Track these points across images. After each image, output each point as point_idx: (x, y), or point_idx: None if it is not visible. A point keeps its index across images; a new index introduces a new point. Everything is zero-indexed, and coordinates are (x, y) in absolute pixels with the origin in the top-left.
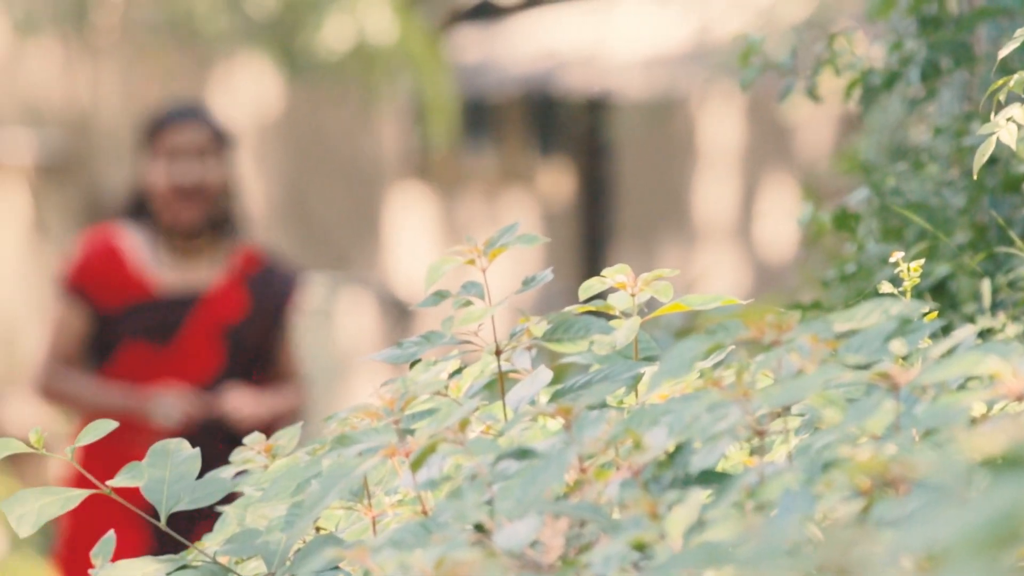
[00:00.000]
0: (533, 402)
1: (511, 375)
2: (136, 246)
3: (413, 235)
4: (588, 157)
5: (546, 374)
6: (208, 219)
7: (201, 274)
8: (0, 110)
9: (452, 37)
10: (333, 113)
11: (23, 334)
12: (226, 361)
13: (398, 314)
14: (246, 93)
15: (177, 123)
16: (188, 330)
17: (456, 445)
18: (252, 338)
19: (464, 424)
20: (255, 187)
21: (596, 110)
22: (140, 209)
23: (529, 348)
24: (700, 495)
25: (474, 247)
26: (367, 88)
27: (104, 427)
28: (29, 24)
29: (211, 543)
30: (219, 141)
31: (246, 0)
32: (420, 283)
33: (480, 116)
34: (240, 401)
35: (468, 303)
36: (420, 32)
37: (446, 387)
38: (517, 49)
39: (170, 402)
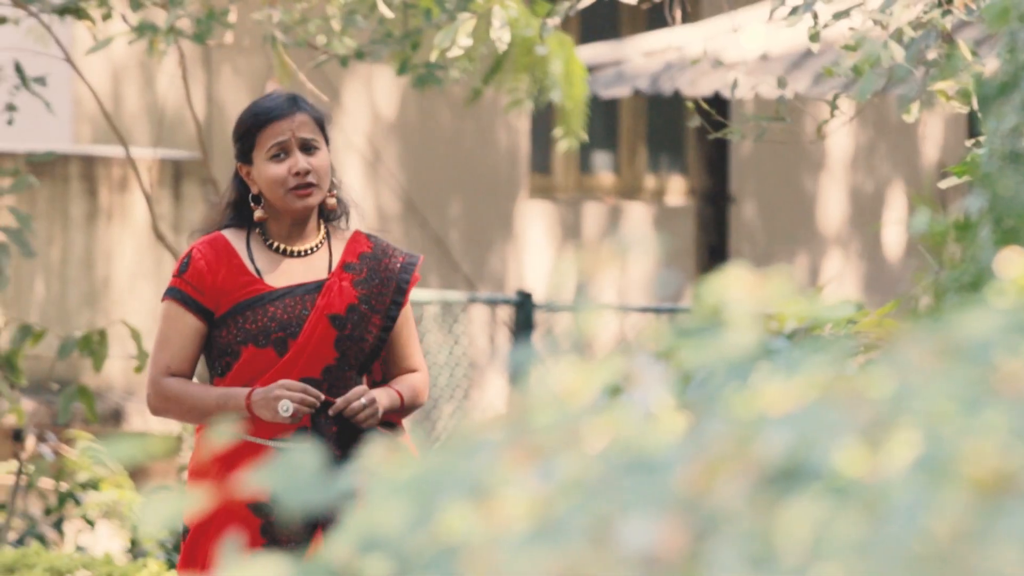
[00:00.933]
0: (655, 404)
1: (633, 378)
2: (244, 247)
3: (535, 245)
4: (707, 164)
5: (667, 377)
6: (320, 208)
7: (313, 268)
8: (125, 124)
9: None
10: (457, 123)
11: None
12: (337, 355)
13: (521, 322)
14: (370, 103)
15: (278, 116)
16: (305, 327)
17: (577, 446)
18: (362, 329)
19: (586, 426)
20: (377, 197)
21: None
22: (242, 212)
23: (651, 352)
24: (819, 498)
25: (596, 254)
26: (493, 98)
27: (233, 430)
28: (154, 36)
29: (336, 544)
30: (321, 127)
31: (371, 9)
32: (542, 292)
33: (599, 124)
34: (354, 398)
35: (591, 308)
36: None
37: (568, 391)
38: (635, 56)
39: (286, 400)
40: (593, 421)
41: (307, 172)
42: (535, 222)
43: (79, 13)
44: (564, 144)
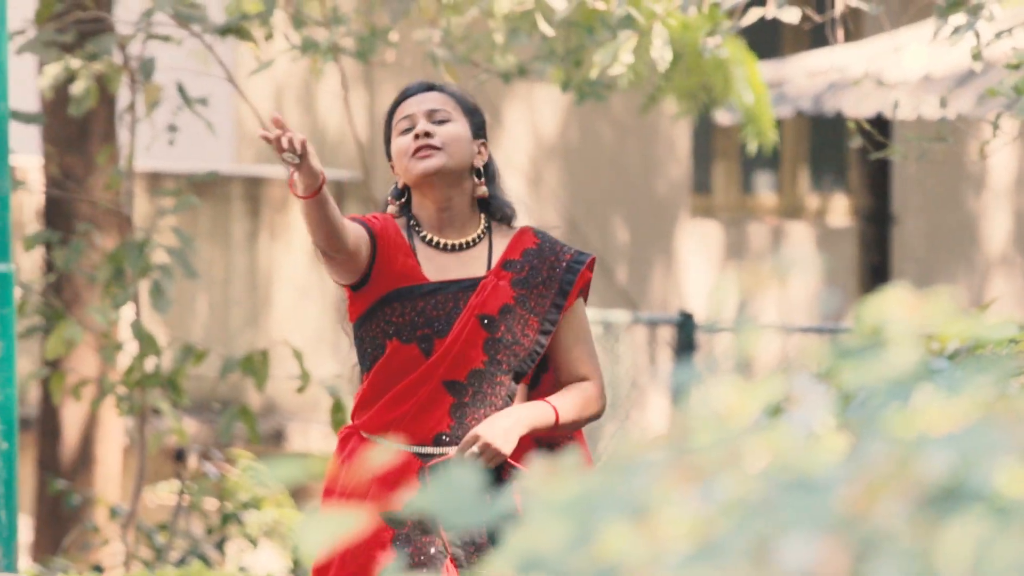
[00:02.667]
0: (815, 424)
1: (794, 398)
2: (407, 234)
3: (697, 265)
4: (869, 184)
5: (828, 397)
6: (481, 202)
7: (469, 264)
8: None
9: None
10: (619, 142)
11: (314, 359)
12: (486, 358)
13: (682, 343)
14: (531, 123)
15: (410, 94)
16: (455, 326)
17: (738, 466)
18: (517, 332)
19: (746, 446)
20: (539, 217)
21: (877, 137)
22: (400, 203)
23: (812, 372)
24: (981, 519)
25: (757, 273)
26: (655, 117)
27: (390, 453)
28: (315, 54)
29: (498, 564)
30: (464, 108)
31: (533, 26)
32: (703, 312)
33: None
34: (464, 449)
35: (752, 328)
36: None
37: (729, 411)
38: (798, 76)
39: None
40: (754, 441)
41: (428, 135)
42: (696, 242)
43: (241, 33)
44: (753, 146)
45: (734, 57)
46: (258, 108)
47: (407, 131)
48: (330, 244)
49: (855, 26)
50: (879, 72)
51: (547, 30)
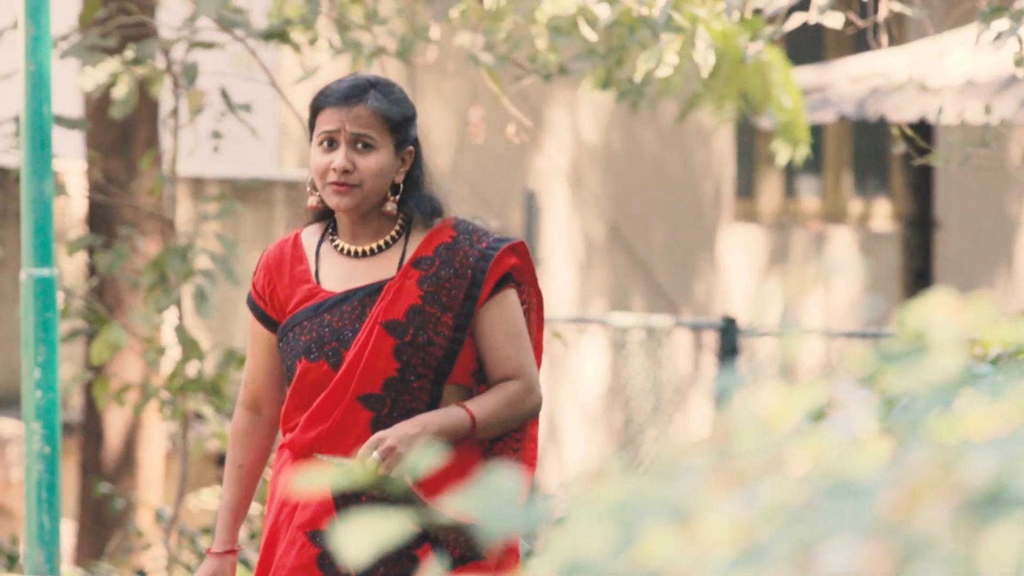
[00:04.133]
0: (858, 429)
1: (837, 403)
2: (314, 249)
3: (740, 270)
4: (912, 189)
5: (871, 402)
6: (370, 204)
7: (378, 269)
8: None
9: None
10: (662, 147)
11: None
12: (398, 365)
13: (725, 347)
14: (574, 128)
15: (335, 102)
16: (356, 336)
17: (781, 471)
18: (429, 333)
19: (789, 451)
20: (582, 222)
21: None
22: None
23: (855, 377)
24: None
25: (800, 278)
26: (698, 121)
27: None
28: (358, 56)
29: (539, 567)
30: (393, 125)
31: (574, 27)
32: (746, 317)
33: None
34: (364, 455)
35: (795, 333)
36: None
37: (772, 415)
38: (841, 81)
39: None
40: (797, 446)
41: (346, 171)
42: (740, 246)
43: (284, 38)
44: (785, 156)
45: (773, 63)
46: (301, 113)
47: (327, 146)
48: (277, 414)
49: (898, 31)
50: (922, 77)
51: (590, 35)
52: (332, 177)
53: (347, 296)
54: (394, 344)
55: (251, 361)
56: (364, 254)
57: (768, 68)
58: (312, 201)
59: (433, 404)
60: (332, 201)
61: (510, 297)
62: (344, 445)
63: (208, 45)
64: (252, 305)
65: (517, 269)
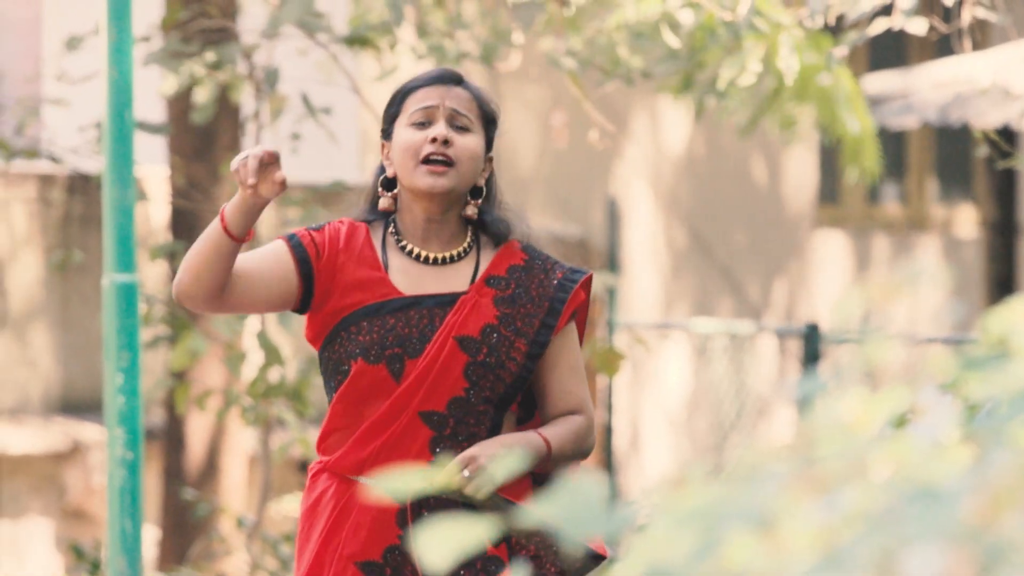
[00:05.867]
0: (941, 435)
1: (919, 409)
2: (380, 243)
3: (823, 275)
4: (996, 195)
5: (954, 408)
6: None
7: (451, 279)
8: None
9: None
10: (745, 153)
11: None
12: (467, 385)
13: (809, 353)
14: (657, 134)
15: (433, 81)
16: (428, 347)
17: (863, 477)
18: (502, 356)
19: (871, 457)
20: (665, 228)
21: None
22: (393, 196)
23: (937, 383)
24: None
25: (883, 285)
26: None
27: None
28: (442, 61)
29: (621, 574)
30: (486, 116)
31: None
32: (829, 324)
33: (888, 154)
34: (455, 472)
35: (878, 339)
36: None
37: (855, 421)
38: (924, 87)
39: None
40: (879, 452)
41: (448, 143)
42: (823, 252)
43: (366, 43)
44: (854, 176)
45: (841, 84)
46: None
47: (421, 125)
48: (211, 294)
49: (982, 36)
50: (1006, 82)
51: (673, 42)
52: (428, 150)
53: (417, 301)
54: (465, 362)
55: (253, 260)
56: (436, 261)
57: (836, 91)
58: (384, 203)
59: (495, 431)
60: (425, 183)
61: (575, 331)
62: (400, 465)
63: (295, 53)
64: (297, 245)
65: (585, 306)
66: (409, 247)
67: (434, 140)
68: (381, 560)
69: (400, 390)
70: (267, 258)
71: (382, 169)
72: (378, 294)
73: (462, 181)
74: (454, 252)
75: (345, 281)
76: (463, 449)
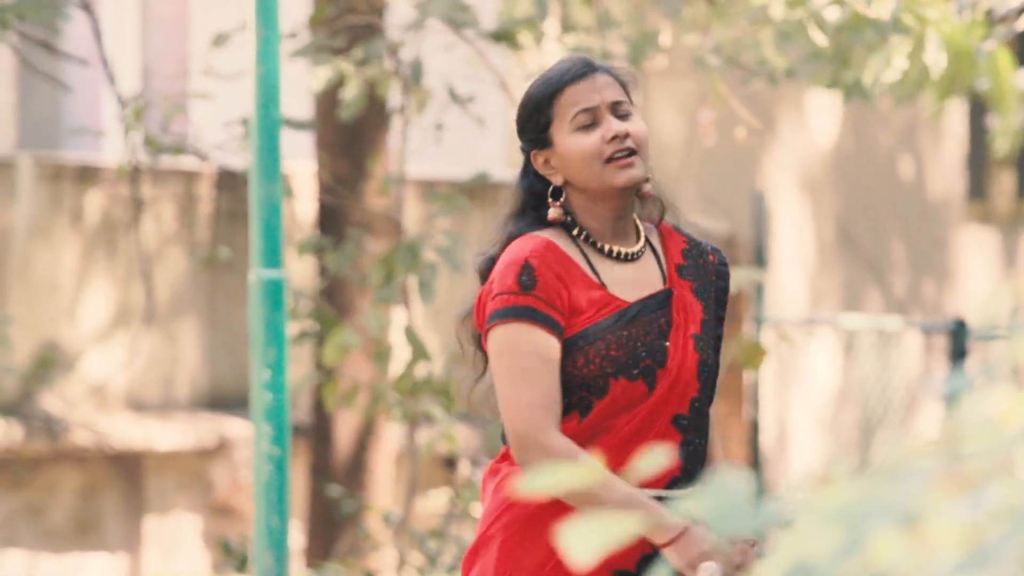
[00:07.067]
0: None
1: None
2: (577, 252)
3: (971, 271)
4: None
5: None
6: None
7: (647, 274)
8: None
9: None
10: (893, 149)
11: None
12: (699, 385)
13: (955, 349)
14: (804, 130)
15: (577, 77)
16: (674, 351)
17: (1010, 474)
18: (713, 351)
19: (1017, 454)
20: (814, 223)
21: None
22: (538, 217)
23: None
24: None
25: None
26: (930, 123)
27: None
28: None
29: (767, 570)
30: (627, 91)
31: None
32: (977, 320)
33: None
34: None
35: None
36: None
37: (1001, 418)
38: None
39: (713, 564)
40: None
41: (626, 135)
42: (971, 248)
43: (512, 39)
44: (1005, 145)
45: (1002, 64)
46: None
47: (588, 127)
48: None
49: None
50: None
51: (820, 40)
52: (611, 150)
53: (644, 305)
54: (699, 360)
55: (549, 380)
56: (631, 257)
57: (999, 66)
58: (554, 213)
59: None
60: (622, 179)
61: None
62: (655, 477)
63: (439, 48)
64: (539, 316)
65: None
66: (605, 246)
67: (614, 138)
68: (635, 569)
69: (653, 398)
70: (553, 366)
71: (531, 180)
72: (609, 307)
73: (646, 168)
74: (641, 244)
75: (581, 308)
76: (700, 450)
